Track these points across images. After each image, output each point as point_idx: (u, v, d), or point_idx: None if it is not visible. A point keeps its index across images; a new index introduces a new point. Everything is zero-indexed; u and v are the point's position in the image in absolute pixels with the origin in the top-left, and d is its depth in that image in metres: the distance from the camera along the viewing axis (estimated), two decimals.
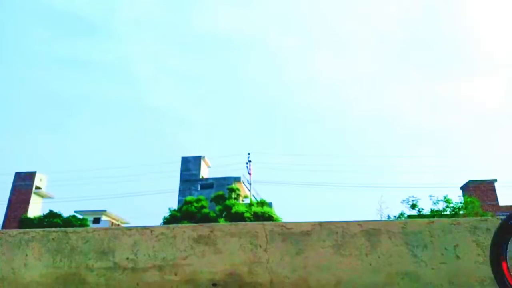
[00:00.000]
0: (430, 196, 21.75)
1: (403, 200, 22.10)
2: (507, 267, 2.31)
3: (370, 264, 2.89)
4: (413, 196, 22.03)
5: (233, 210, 25.88)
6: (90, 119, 78.10)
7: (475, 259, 2.83)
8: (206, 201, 28.30)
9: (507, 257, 2.32)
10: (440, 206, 21.63)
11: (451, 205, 21.60)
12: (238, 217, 24.74)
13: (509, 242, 2.34)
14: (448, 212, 21.24)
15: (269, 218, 25.27)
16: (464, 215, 20.32)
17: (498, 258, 2.32)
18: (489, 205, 29.91)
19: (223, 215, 26.51)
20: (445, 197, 21.85)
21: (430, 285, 2.53)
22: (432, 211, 21.34)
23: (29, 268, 3.32)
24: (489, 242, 2.84)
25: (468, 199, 22.50)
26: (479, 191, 30.90)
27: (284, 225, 3.10)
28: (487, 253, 2.83)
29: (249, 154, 38.61)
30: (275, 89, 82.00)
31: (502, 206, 30.75)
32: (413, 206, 21.76)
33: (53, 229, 3.43)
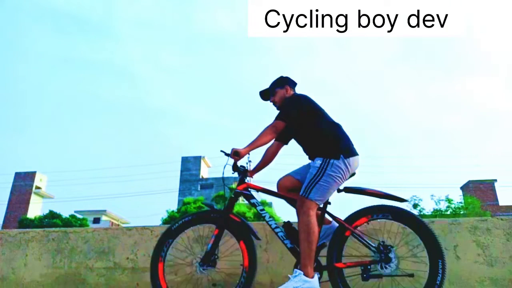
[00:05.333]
0: (432, 195, 21.81)
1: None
2: (163, 268, 2.58)
3: None
4: (415, 196, 22.05)
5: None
6: (90, 119, 78.13)
7: (475, 259, 2.82)
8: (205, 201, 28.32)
9: (165, 259, 2.60)
10: (442, 206, 21.66)
11: (452, 205, 21.64)
12: None
13: (170, 246, 2.62)
14: (449, 213, 21.28)
15: None
16: (464, 215, 20.35)
17: (157, 259, 2.58)
18: (489, 205, 29.86)
19: None
20: (446, 197, 21.88)
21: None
22: (434, 210, 21.38)
23: (29, 268, 3.32)
24: (490, 242, 2.85)
25: (469, 199, 22.51)
26: (479, 191, 30.84)
27: None
28: (487, 252, 2.83)
29: (249, 154, 38.55)
30: None
31: (502, 206, 30.70)
32: (415, 206, 21.77)
33: (53, 229, 3.43)
